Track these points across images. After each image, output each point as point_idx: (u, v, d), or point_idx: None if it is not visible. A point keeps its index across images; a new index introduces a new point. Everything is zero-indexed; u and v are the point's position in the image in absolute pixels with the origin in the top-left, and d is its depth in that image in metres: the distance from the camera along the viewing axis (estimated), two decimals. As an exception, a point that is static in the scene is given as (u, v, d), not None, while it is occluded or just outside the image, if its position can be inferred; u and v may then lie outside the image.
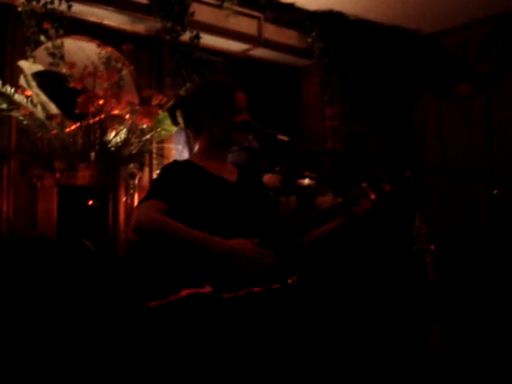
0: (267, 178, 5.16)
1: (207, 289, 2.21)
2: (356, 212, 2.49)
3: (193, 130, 2.56)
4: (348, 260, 4.47)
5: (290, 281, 2.40)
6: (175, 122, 2.63)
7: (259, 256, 2.27)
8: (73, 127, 4.21)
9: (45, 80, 4.06)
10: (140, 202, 2.40)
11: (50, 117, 4.19)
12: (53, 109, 4.17)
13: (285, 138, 2.50)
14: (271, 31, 5.63)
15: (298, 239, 2.53)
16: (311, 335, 2.42)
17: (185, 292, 2.20)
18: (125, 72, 4.69)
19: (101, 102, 4.13)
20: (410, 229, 4.16)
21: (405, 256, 4.54)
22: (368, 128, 6.30)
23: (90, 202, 3.94)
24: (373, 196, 2.53)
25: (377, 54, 6.22)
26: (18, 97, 4.03)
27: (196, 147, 2.59)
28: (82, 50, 4.52)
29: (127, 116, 4.33)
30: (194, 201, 2.36)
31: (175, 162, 2.58)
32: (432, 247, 4.06)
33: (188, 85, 4.69)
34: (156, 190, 2.41)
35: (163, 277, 2.24)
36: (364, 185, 2.57)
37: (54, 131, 4.16)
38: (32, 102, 4.14)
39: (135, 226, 2.32)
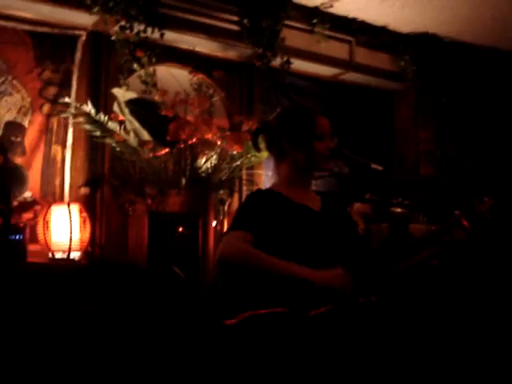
0: (358, 205, 5.05)
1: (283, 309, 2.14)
2: (449, 241, 2.37)
3: (275, 156, 2.50)
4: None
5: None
6: (257, 148, 2.56)
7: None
8: (163, 151, 4.24)
9: (137, 107, 4.12)
10: (226, 233, 2.36)
11: (142, 143, 4.24)
12: (145, 135, 4.22)
13: (379, 168, 2.42)
14: (363, 55, 5.55)
15: (389, 269, 2.43)
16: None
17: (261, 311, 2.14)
18: (216, 98, 4.70)
19: (192, 128, 4.15)
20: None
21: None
22: (463, 152, 6.08)
23: (180, 229, 3.93)
24: (466, 224, 2.39)
25: (473, 75, 6.01)
26: (111, 124, 4.11)
27: (278, 175, 2.53)
28: (174, 77, 4.56)
29: (218, 142, 4.33)
30: (278, 231, 2.29)
31: (259, 191, 2.53)
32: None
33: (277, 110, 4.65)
34: (242, 220, 2.35)
35: (241, 299, 2.20)
36: (457, 213, 2.43)
37: (146, 157, 4.21)
38: (125, 128, 4.21)
39: (222, 257, 2.27)
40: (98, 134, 4.12)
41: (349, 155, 2.51)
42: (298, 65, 5.12)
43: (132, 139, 4.21)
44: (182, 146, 4.19)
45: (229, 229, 2.37)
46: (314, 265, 2.21)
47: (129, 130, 4.22)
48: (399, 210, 5.38)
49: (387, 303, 2.36)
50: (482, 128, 6.26)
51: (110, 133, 4.14)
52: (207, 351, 3.19)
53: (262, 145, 2.59)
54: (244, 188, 4.89)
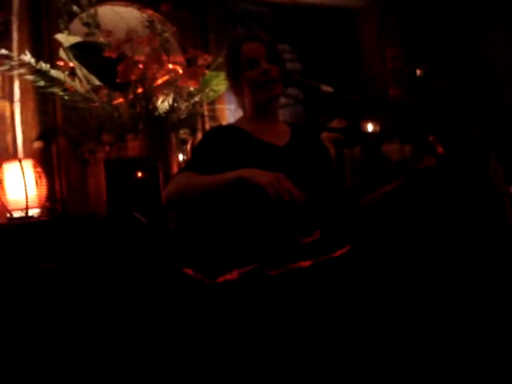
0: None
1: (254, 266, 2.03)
2: (418, 169, 2.21)
3: (236, 93, 2.38)
4: (417, 211, 4.19)
5: (340, 252, 2.17)
6: None
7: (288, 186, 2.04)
8: (119, 99, 4.06)
9: (81, 51, 3.90)
10: (174, 175, 2.22)
11: (95, 89, 4.05)
12: (95, 80, 4.02)
13: (329, 89, 2.27)
14: (320, -27, 5.29)
15: (354, 204, 2.29)
16: (364, 311, 2.19)
17: (235, 272, 2.03)
18: (167, 34, 4.48)
19: (142, 68, 3.95)
20: (485, 170, 3.85)
21: (481, 200, 4.21)
22: (433, 69, 5.89)
23: (139, 174, 3.78)
24: (440, 150, 2.22)
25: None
26: (54, 72, 3.89)
27: (242, 109, 2.40)
28: (121, 16, 4.33)
29: (172, 79, 4.14)
30: (236, 169, 2.14)
31: (217, 128, 2.41)
32: (511, 189, 3.76)
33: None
34: (194, 160, 2.22)
35: (209, 252, 2.08)
36: (430, 138, 2.26)
37: (99, 103, 4.03)
38: (73, 75, 4.01)
39: (164, 202, 2.14)
40: (41, 83, 3.90)
41: (297, 79, 2.36)
42: (251, -10, 4.89)
43: (85, 85, 4.01)
44: (135, 87, 4.01)
45: (179, 169, 2.25)
46: None
47: (80, 76, 4.02)
48: (371, 131, 5.26)
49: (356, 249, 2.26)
50: (451, 43, 6.06)
51: (54, 82, 3.93)
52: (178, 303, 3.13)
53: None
54: (207, 125, 4.71)
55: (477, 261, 4.12)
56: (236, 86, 2.32)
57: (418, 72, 5.74)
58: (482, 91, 6.15)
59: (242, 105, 2.39)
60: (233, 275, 2.02)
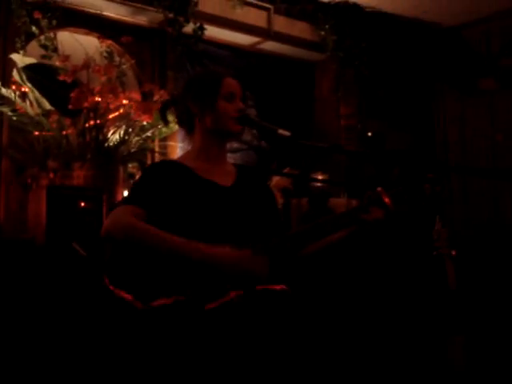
0: (277, 179, 4.91)
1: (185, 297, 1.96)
2: (366, 221, 2.19)
3: (185, 127, 2.32)
4: (359, 265, 4.18)
5: (277, 287, 2.12)
6: (165, 121, 2.44)
7: (251, 266, 2.00)
8: (69, 130, 3.98)
9: (35, 74, 3.82)
10: (115, 207, 2.14)
11: (45, 113, 3.96)
12: (46, 105, 3.93)
13: (286, 133, 2.24)
14: (282, 23, 5.35)
15: (297, 251, 2.26)
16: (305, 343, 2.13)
17: (162, 301, 1.95)
18: (125, 66, 4.43)
19: (96, 97, 3.88)
20: (429, 233, 3.88)
21: (424, 262, 4.23)
22: (385, 127, 5.98)
23: (82, 204, 3.67)
24: (387, 201, 2.20)
25: (394, 47, 5.90)
26: (5, 91, 3.79)
27: (190, 147, 2.34)
28: (80, 44, 4.27)
29: (125, 112, 4.08)
30: (177, 207, 2.10)
31: (160, 162, 2.36)
32: (453, 252, 3.78)
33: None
34: (134, 195, 2.14)
35: (146, 278, 2.01)
36: (379, 189, 2.25)
37: (49, 131, 3.93)
38: (24, 97, 3.91)
39: (105, 233, 2.05)
40: (-10, 101, 3.80)
41: (256, 121, 2.35)
42: (213, 32, 4.90)
43: (35, 108, 3.91)
44: (87, 115, 3.93)
45: (119, 202, 2.16)
46: (212, 242, 2.03)
47: (31, 99, 3.93)
48: (319, 184, 5.27)
49: (293, 292, 2.20)
50: (404, 102, 6.18)
51: (4, 101, 3.82)
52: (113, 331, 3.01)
53: (171, 118, 2.51)
54: (157, 160, 4.64)
55: (413, 323, 4.12)
56: (189, 117, 2.27)
57: (369, 133, 5.82)
58: (431, 148, 6.28)
59: (189, 139, 2.36)
60: (168, 301, 1.95)
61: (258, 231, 2.17)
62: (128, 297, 1.97)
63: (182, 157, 2.35)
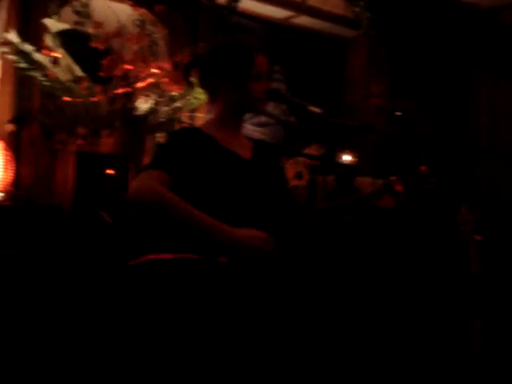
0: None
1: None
2: (378, 207, 2.20)
3: (208, 93, 2.29)
4: (384, 247, 4.16)
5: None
6: (188, 82, 2.36)
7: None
8: (100, 96, 3.98)
9: (68, 39, 3.82)
10: (141, 170, 2.14)
11: (77, 80, 3.96)
12: (78, 71, 3.94)
13: (317, 110, 2.22)
14: (316, -2, 5.29)
15: (311, 231, 2.26)
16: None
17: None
18: (158, 36, 4.42)
19: (127, 65, 3.88)
20: (454, 218, 3.84)
21: (448, 247, 4.20)
22: (416, 108, 5.91)
23: (109, 171, 3.68)
24: (399, 190, 2.22)
25: (429, 28, 5.80)
26: (38, 56, 3.79)
27: (211, 114, 2.32)
28: (114, 11, 4.27)
29: (156, 81, 4.08)
30: (201, 176, 2.09)
31: (185, 129, 2.34)
32: (478, 238, 3.74)
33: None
34: (161, 159, 2.13)
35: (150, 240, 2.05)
36: (392, 178, 2.26)
37: (79, 97, 3.94)
38: (55, 62, 3.92)
39: (132, 197, 2.05)
40: (23, 65, 3.81)
41: (285, 96, 2.32)
42: (248, 4, 4.88)
43: (65, 74, 3.92)
44: (117, 83, 3.94)
45: (145, 167, 2.16)
46: (232, 215, 2.05)
47: (63, 64, 3.94)
48: (347, 162, 5.24)
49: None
50: (437, 84, 6.10)
51: (36, 65, 3.83)
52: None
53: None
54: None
55: (437, 308, 4.11)
56: (215, 89, 2.25)
57: (398, 113, 5.75)
58: (462, 133, 6.20)
59: (209, 107, 2.35)
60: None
61: (270, 207, 2.19)
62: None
63: (205, 125, 2.33)
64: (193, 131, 2.28)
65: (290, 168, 4.67)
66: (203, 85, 2.31)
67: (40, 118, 4.10)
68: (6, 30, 3.95)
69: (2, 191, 3.69)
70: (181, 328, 1.94)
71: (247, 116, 2.39)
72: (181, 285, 1.96)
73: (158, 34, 4.46)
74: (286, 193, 2.38)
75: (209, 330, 1.95)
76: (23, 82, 4.05)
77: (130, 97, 4.00)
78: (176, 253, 2.00)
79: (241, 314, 1.99)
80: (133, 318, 2.02)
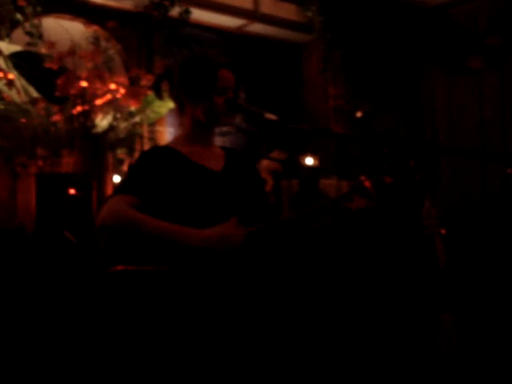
0: (267, 161, 4.91)
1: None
2: (350, 209, 2.22)
3: (177, 107, 2.31)
4: (348, 244, 4.20)
5: None
6: (159, 95, 2.37)
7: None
8: (57, 117, 3.96)
9: (21, 61, 3.79)
10: (109, 196, 2.14)
11: (32, 101, 3.94)
12: (33, 92, 3.91)
13: (273, 117, 2.24)
14: (268, 5, 5.34)
15: (283, 238, 2.28)
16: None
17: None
18: (112, 51, 4.41)
19: (83, 83, 3.87)
20: (418, 212, 3.89)
21: (414, 241, 4.25)
22: (374, 107, 5.98)
23: (72, 191, 3.66)
24: (369, 186, 2.24)
25: (381, 28, 5.88)
26: (-10, 80, 3.77)
27: (180, 129, 2.33)
28: (66, 30, 4.25)
29: (113, 98, 4.07)
30: (172, 194, 2.10)
31: (153, 148, 2.33)
32: (442, 231, 3.80)
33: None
34: (128, 183, 2.14)
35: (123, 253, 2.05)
36: (362, 178, 2.28)
37: (36, 118, 3.91)
38: (11, 85, 3.89)
39: (102, 224, 2.06)
40: (-25, 90, 3.78)
41: (243, 105, 2.34)
42: (200, 15, 4.89)
43: (19, 97, 3.89)
44: (74, 102, 3.92)
45: (114, 192, 2.16)
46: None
47: (18, 86, 3.91)
48: (309, 165, 5.29)
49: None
50: (392, 82, 6.18)
51: (-11, 89, 3.80)
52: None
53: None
54: (146, 146, 4.63)
55: (403, 302, 4.15)
56: (182, 103, 2.27)
57: (358, 114, 5.82)
58: (419, 129, 6.29)
59: (179, 121, 2.36)
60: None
61: (248, 216, 2.19)
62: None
63: (173, 141, 2.34)
64: (161, 150, 2.27)
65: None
66: (172, 98, 2.33)
67: (-1, 142, 4.07)
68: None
69: (-38, 218, 3.65)
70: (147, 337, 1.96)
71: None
72: (145, 295, 1.97)
73: (113, 49, 4.45)
74: (263, 199, 2.38)
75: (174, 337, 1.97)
76: (-22, 106, 4.01)
77: (88, 114, 3.99)
78: (142, 264, 2.01)
79: (206, 324, 2.00)
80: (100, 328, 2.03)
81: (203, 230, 2.03)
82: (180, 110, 2.30)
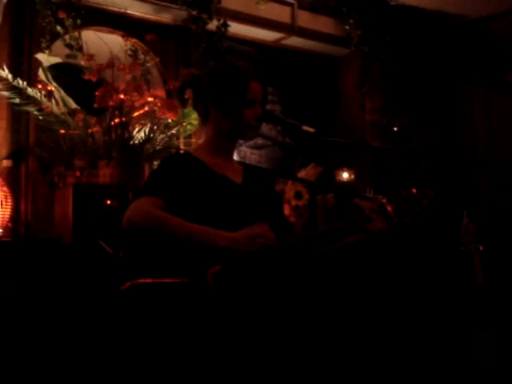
0: (303, 174, 4.90)
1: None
2: (370, 230, 2.21)
3: (199, 116, 2.31)
4: (387, 260, 4.15)
5: None
6: (182, 102, 2.39)
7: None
8: (95, 129, 4.00)
9: (61, 73, 3.84)
10: (134, 198, 2.14)
11: (71, 112, 3.98)
12: (72, 103, 3.96)
13: (311, 130, 2.24)
14: (306, 19, 5.32)
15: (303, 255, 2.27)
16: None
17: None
18: (150, 64, 4.45)
19: (121, 95, 3.90)
20: (457, 228, 3.84)
21: (451, 257, 4.19)
22: (411, 122, 5.93)
23: (108, 202, 3.69)
24: (391, 212, 2.23)
25: (420, 41, 5.84)
26: (31, 91, 3.81)
27: (202, 138, 2.33)
28: (105, 43, 4.29)
29: (151, 109, 4.11)
30: (193, 201, 2.13)
31: (176, 154, 2.36)
32: (481, 247, 3.74)
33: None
34: (153, 185, 2.15)
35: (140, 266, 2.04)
36: (383, 201, 2.28)
37: (75, 130, 3.95)
38: (50, 96, 3.94)
39: (127, 225, 2.07)
40: (17, 101, 3.82)
41: (280, 117, 2.34)
42: (237, 28, 4.89)
43: (61, 108, 3.93)
44: (112, 114, 3.95)
45: (138, 194, 2.17)
46: None
47: (57, 98, 3.95)
48: (345, 179, 5.26)
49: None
50: (430, 97, 6.12)
51: (30, 100, 3.84)
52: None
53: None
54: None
55: (443, 318, 4.09)
56: (206, 112, 2.26)
57: (394, 128, 5.77)
58: (458, 145, 6.22)
59: (201, 130, 2.37)
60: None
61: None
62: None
63: (196, 150, 2.36)
64: (183, 156, 2.30)
65: (290, 188, 4.68)
66: (195, 107, 2.33)
67: (37, 152, 4.11)
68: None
69: (0, 227, 3.69)
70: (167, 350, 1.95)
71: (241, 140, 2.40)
72: (166, 309, 1.96)
73: (151, 62, 4.49)
74: (280, 218, 2.38)
75: (195, 351, 1.95)
76: (18, 117, 4.06)
77: (126, 126, 4.02)
78: (164, 277, 2.00)
79: (228, 336, 1.99)
80: (122, 344, 2.03)
81: (229, 232, 2.05)
82: (203, 119, 2.30)
